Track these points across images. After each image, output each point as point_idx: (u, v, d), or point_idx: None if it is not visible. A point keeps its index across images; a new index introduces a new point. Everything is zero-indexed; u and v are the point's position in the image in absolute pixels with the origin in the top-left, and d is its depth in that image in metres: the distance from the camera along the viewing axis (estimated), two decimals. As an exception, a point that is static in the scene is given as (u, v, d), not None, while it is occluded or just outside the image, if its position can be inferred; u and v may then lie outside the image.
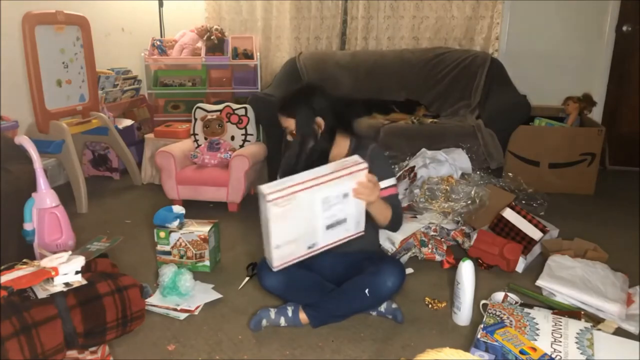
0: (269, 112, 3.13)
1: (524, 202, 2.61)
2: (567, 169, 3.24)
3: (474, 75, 3.48)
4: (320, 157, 1.77)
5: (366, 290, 1.71)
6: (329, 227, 1.52)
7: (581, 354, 1.49)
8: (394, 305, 1.83)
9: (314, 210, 1.47)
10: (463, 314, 1.80)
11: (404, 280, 1.77)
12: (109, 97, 3.54)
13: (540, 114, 3.44)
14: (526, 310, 1.72)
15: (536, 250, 2.32)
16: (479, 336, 1.56)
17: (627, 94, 3.80)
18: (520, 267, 2.21)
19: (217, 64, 4.02)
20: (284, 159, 1.88)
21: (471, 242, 2.29)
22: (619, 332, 1.74)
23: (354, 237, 1.60)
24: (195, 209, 2.71)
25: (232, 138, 3.11)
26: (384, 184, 1.76)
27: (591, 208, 3.04)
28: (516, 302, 1.87)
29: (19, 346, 1.37)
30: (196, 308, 1.90)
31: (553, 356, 1.48)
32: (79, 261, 1.60)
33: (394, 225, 1.79)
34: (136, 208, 2.99)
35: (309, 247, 1.52)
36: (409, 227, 2.31)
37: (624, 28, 3.69)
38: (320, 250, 1.55)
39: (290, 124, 1.80)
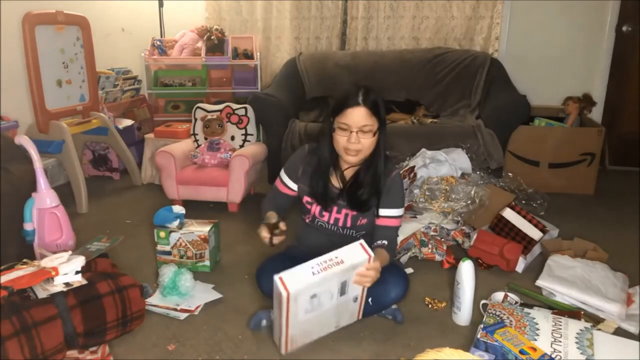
0: (269, 112, 3.14)
1: (524, 202, 2.61)
2: (567, 169, 3.24)
3: (474, 75, 3.49)
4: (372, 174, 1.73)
5: (369, 299, 1.71)
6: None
7: (581, 354, 1.49)
8: (393, 306, 1.83)
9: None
10: (463, 314, 1.80)
11: (408, 290, 1.77)
12: (109, 97, 3.54)
13: (540, 114, 3.44)
14: (526, 310, 1.72)
15: (536, 250, 2.32)
16: (479, 336, 1.56)
17: (627, 94, 3.80)
18: (520, 267, 2.21)
19: (217, 64, 4.02)
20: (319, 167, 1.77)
21: (471, 242, 2.29)
22: (619, 332, 1.74)
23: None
24: (195, 209, 2.71)
25: (232, 138, 3.11)
26: (391, 212, 1.75)
27: (591, 208, 3.04)
28: (516, 302, 1.87)
29: (19, 346, 1.37)
30: (196, 308, 1.90)
31: (553, 356, 1.48)
32: (79, 261, 1.60)
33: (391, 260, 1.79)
34: (136, 208, 2.99)
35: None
36: (409, 227, 2.31)
37: (624, 28, 3.69)
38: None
39: (372, 123, 1.63)
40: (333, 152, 1.73)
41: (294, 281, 1.42)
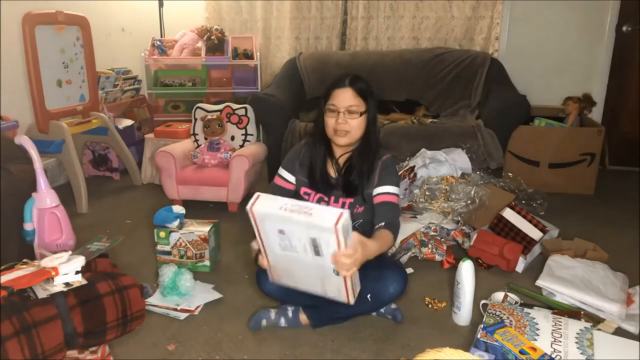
0: (269, 112, 3.14)
1: (524, 202, 2.61)
2: (567, 169, 3.24)
3: (474, 75, 3.48)
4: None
5: (368, 296, 1.71)
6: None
7: (581, 354, 1.49)
8: (393, 306, 1.84)
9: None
10: (463, 314, 1.80)
11: (407, 286, 1.77)
12: (109, 97, 3.54)
13: (540, 114, 3.44)
14: (526, 310, 1.72)
15: (536, 250, 2.32)
16: (479, 336, 1.56)
17: (627, 94, 3.80)
18: (520, 267, 2.21)
19: (217, 64, 4.02)
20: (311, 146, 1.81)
21: (471, 242, 2.29)
22: (619, 332, 1.74)
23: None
24: (195, 209, 2.71)
25: (232, 138, 3.11)
26: (387, 189, 1.75)
27: (591, 208, 3.04)
28: (516, 302, 1.87)
29: (19, 346, 1.37)
30: (196, 308, 1.90)
31: (553, 356, 1.48)
32: (79, 261, 1.60)
33: (395, 238, 1.75)
34: (136, 208, 2.99)
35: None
36: (409, 227, 2.31)
37: (624, 28, 3.69)
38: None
39: (358, 103, 1.69)
40: (327, 140, 1.78)
41: (263, 204, 1.38)
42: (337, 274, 1.43)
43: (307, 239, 1.39)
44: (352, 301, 1.51)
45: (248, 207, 1.38)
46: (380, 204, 1.76)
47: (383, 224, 1.69)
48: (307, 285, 1.52)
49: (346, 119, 1.69)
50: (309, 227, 1.37)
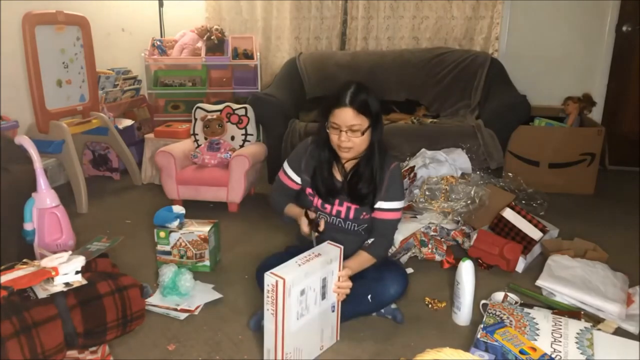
0: (269, 112, 3.14)
1: (524, 202, 2.61)
2: (567, 169, 3.24)
3: (474, 75, 3.48)
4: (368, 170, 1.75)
5: (368, 296, 1.71)
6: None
7: (581, 354, 1.49)
8: (393, 306, 1.83)
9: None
10: (463, 314, 1.80)
11: (407, 287, 1.78)
12: (109, 97, 3.54)
13: (540, 114, 3.44)
14: (526, 310, 1.72)
15: (536, 250, 2.32)
16: (479, 336, 1.56)
17: (627, 94, 3.80)
18: (520, 267, 2.21)
19: (217, 64, 4.02)
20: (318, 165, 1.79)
21: (471, 242, 2.29)
22: (619, 332, 1.74)
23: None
24: (195, 209, 2.71)
25: (232, 138, 3.11)
26: (390, 205, 1.75)
27: (591, 208, 3.04)
28: (516, 302, 1.87)
29: (19, 346, 1.37)
30: (196, 308, 1.90)
31: (553, 356, 1.48)
32: (79, 261, 1.60)
33: (380, 258, 1.78)
34: (136, 208, 2.99)
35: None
36: (409, 227, 2.31)
37: (624, 28, 3.69)
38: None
39: (360, 122, 1.64)
40: (332, 147, 1.76)
41: (284, 272, 1.46)
42: (333, 310, 1.64)
43: (319, 284, 1.55)
44: (338, 337, 1.70)
45: (279, 283, 1.41)
46: (380, 220, 1.77)
47: (370, 242, 1.74)
48: (309, 352, 1.59)
49: (349, 137, 1.66)
50: (323, 266, 1.54)
